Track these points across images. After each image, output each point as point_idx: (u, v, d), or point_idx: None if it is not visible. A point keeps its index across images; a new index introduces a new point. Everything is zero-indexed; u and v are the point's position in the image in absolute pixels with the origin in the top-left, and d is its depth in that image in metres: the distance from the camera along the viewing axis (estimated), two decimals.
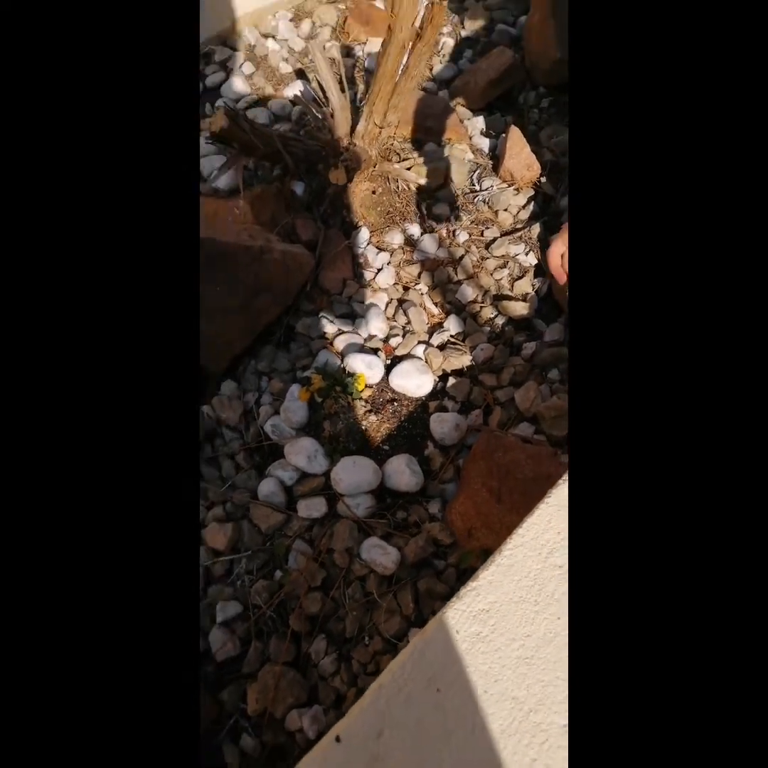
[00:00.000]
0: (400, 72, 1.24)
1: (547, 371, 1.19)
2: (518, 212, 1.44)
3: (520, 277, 1.33)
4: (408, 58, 1.20)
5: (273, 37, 1.86)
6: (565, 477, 0.75)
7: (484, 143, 1.58)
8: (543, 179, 1.46)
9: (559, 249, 0.81)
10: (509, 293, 1.32)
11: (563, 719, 0.61)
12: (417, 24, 1.17)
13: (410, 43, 1.18)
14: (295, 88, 1.69)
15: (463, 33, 1.89)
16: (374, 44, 1.79)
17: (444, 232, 1.40)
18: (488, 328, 1.27)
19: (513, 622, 0.66)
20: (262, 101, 1.68)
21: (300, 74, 1.77)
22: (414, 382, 1.18)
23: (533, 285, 1.32)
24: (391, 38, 1.14)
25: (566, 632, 0.65)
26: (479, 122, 1.62)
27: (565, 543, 0.69)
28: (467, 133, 1.59)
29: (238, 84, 1.70)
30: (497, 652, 0.65)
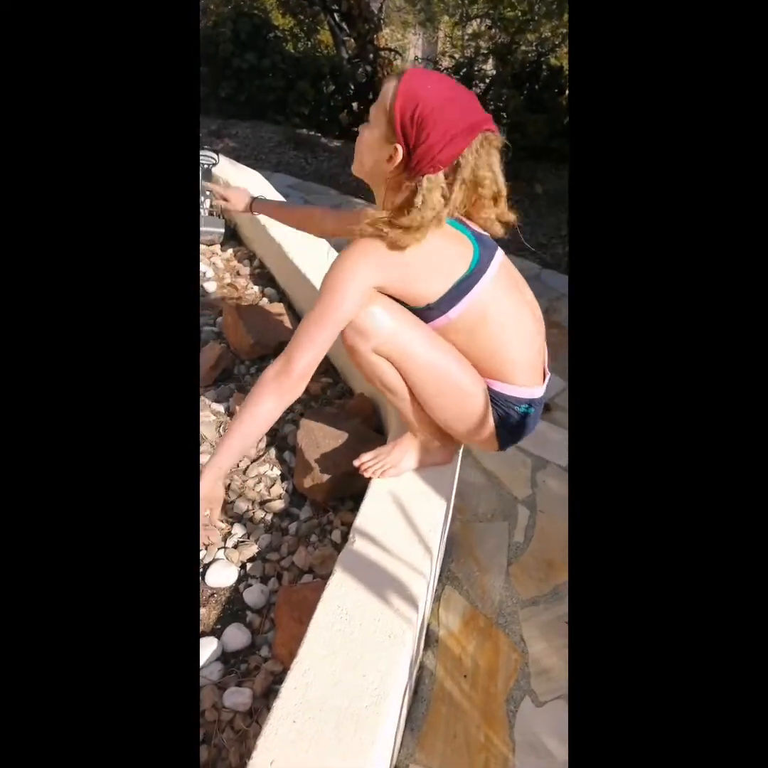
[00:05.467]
0: None
1: (308, 538, 1.80)
2: (259, 442, 2.11)
3: (272, 485, 1.97)
4: None
5: None
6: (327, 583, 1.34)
7: (221, 407, 2.27)
8: None
9: None
10: (269, 497, 1.93)
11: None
12: None
13: None
14: None
15: None
16: None
17: None
18: (263, 525, 1.85)
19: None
20: None
21: None
22: (224, 576, 1.67)
23: (283, 487, 1.96)
24: None
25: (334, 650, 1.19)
26: (212, 394, 2.33)
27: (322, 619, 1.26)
28: (207, 404, 2.27)
29: None
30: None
